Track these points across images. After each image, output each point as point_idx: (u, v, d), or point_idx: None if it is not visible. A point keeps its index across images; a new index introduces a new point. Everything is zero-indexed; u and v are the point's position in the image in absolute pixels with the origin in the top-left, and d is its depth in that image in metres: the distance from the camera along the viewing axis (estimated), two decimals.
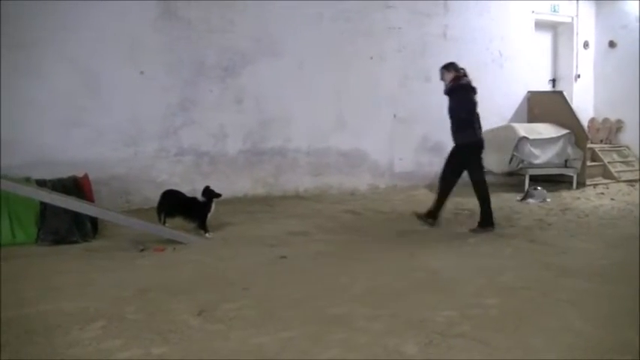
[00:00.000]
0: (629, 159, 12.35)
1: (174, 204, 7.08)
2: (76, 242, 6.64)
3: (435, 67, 10.77)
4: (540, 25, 12.52)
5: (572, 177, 10.88)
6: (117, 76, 8.44)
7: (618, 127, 12.79)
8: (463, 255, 6.12)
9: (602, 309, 4.40)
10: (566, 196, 10.05)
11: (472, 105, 7.22)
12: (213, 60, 9.16)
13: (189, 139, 9.06)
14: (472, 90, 7.26)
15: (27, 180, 7.04)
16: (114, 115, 8.45)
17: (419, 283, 5.05)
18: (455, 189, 7.34)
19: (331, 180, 10.19)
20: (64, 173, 7.46)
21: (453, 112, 7.24)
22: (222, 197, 7.22)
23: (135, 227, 6.81)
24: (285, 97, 9.52)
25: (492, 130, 10.92)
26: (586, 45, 13.12)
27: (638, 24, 12.31)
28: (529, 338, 3.78)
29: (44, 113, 8.00)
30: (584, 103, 12.99)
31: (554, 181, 10.89)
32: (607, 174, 11.71)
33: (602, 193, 10.35)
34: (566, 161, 11.03)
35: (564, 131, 10.90)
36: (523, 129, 10.72)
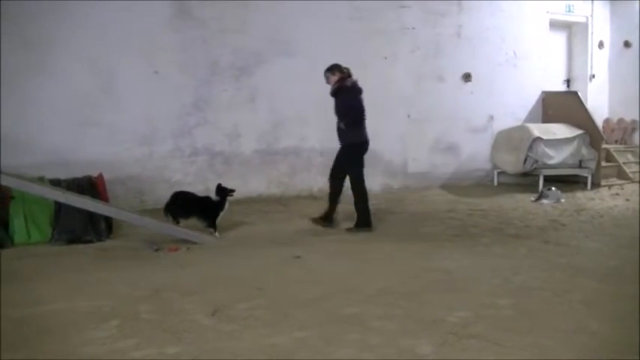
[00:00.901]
0: None
1: (185, 206, 7.04)
2: (90, 242, 6.70)
3: (449, 67, 10.91)
4: (555, 25, 12.42)
5: (586, 177, 10.82)
6: (131, 75, 8.49)
7: (633, 127, 12.70)
8: (477, 255, 6.10)
9: (617, 310, 4.38)
10: (580, 196, 9.98)
11: (359, 105, 7.25)
12: (227, 60, 9.18)
13: (203, 139, 9.09)
14: (358, 90, 7.27)
15: (40, 179, 7.09)
16: (128, 114, 8.50)
17: (433, 284, 5.04)
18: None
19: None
20: (79, 173, 7.49)
21: (339, 112, 7.25)
22: (235, 197, 7.23)
23: (149, 227, 6.86)
24: (299, 96, 9.50)
25: (506, 131, 10.91)
26: (601, 45, 13.01)
27: None
28: (543, 339, 3.77)
29: (59, 113, 8.06)
30: (599, 103, 12.89)
31: (568, 182, 10.82)
32: (622, 174, 11.62)
33: (617, 194, 10.27)
34: (580, 162, 10.99)
35: (579, 132, 10.85)
36: (537, 129, 10.65)
